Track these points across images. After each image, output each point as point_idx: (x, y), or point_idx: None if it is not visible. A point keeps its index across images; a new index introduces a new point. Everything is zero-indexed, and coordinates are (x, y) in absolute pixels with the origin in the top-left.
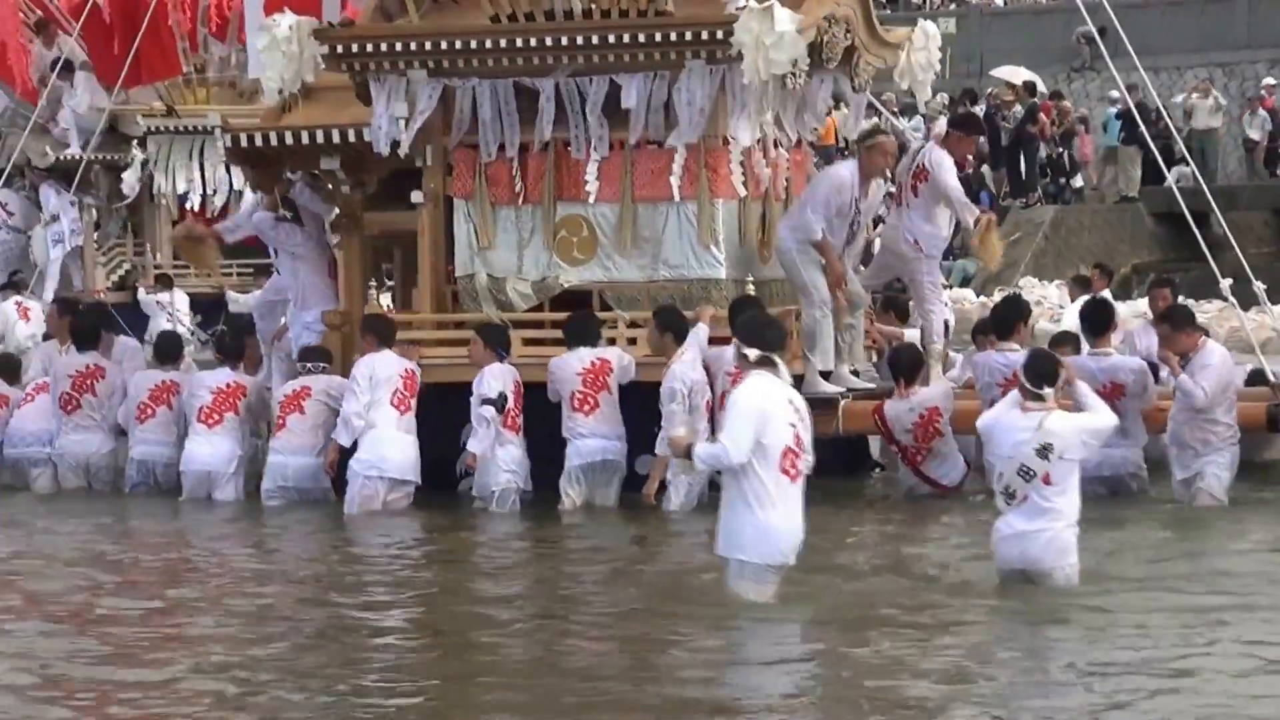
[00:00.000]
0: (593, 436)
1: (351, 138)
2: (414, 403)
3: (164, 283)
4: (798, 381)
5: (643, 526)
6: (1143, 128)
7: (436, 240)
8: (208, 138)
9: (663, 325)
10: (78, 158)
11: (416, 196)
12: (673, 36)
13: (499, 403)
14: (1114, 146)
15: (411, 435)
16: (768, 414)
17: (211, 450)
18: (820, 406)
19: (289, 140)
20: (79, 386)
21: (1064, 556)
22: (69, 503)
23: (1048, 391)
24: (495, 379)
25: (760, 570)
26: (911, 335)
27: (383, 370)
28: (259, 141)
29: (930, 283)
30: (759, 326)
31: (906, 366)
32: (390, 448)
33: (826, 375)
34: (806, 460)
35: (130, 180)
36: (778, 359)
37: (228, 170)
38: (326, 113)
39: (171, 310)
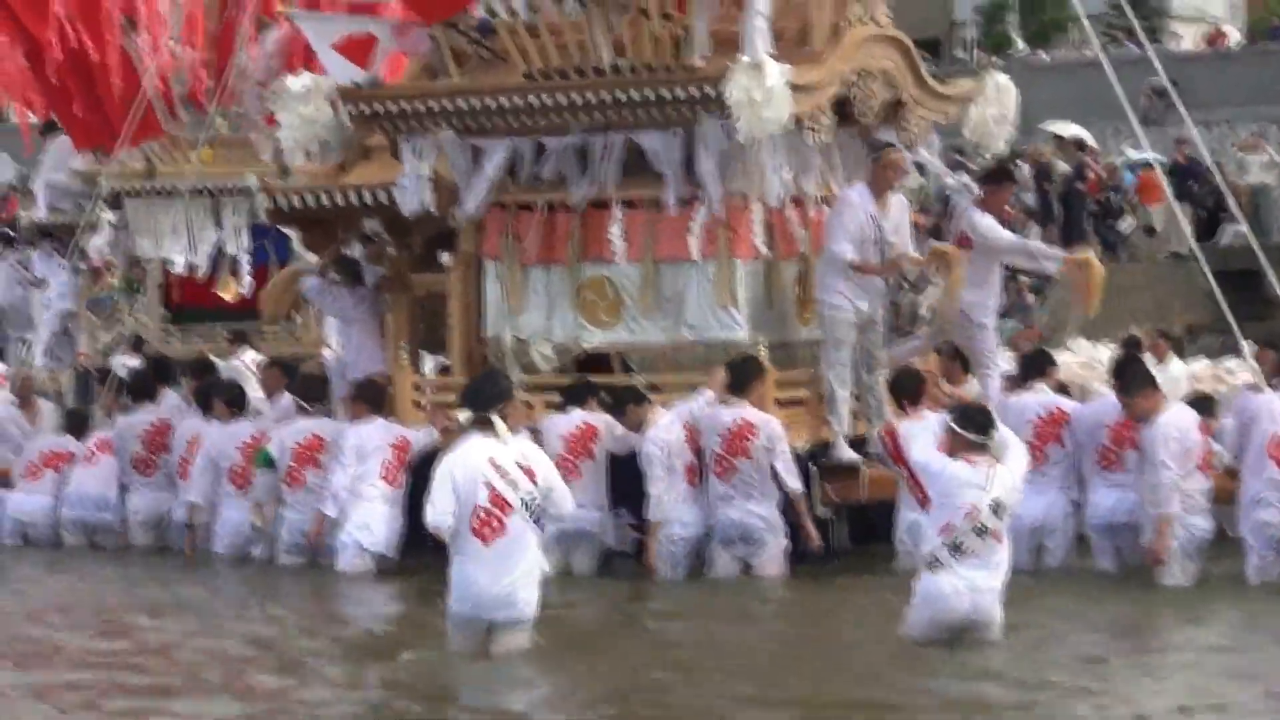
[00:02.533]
0: None
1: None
2: (404, 475)
3: (135, 346)
4: (826, 449)
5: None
6: (1161, 178)
7: (467, 302)
8: (193, 199)
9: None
10: (58, 220)
11: (445, 259)
12: (680, 93)
13: None
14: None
15: (397, 508)
16: (458, 477)
17: (242, 514)
18: (844, 474)
19: (325, 201)
20: (152, 446)
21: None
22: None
23: (986, 439)
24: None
25: (456, 619)
26: (976, 390)
27: (371, 442)
28: (298, 203)
29: (986, 350)
30: (473, 388)
31: (911, 390)
32: (377, 522)
33: (861, 442)
34: (515, 517)
35: (98, 244)
36: (494, 417)
37: (218, 233)
38: (376, 172)
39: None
